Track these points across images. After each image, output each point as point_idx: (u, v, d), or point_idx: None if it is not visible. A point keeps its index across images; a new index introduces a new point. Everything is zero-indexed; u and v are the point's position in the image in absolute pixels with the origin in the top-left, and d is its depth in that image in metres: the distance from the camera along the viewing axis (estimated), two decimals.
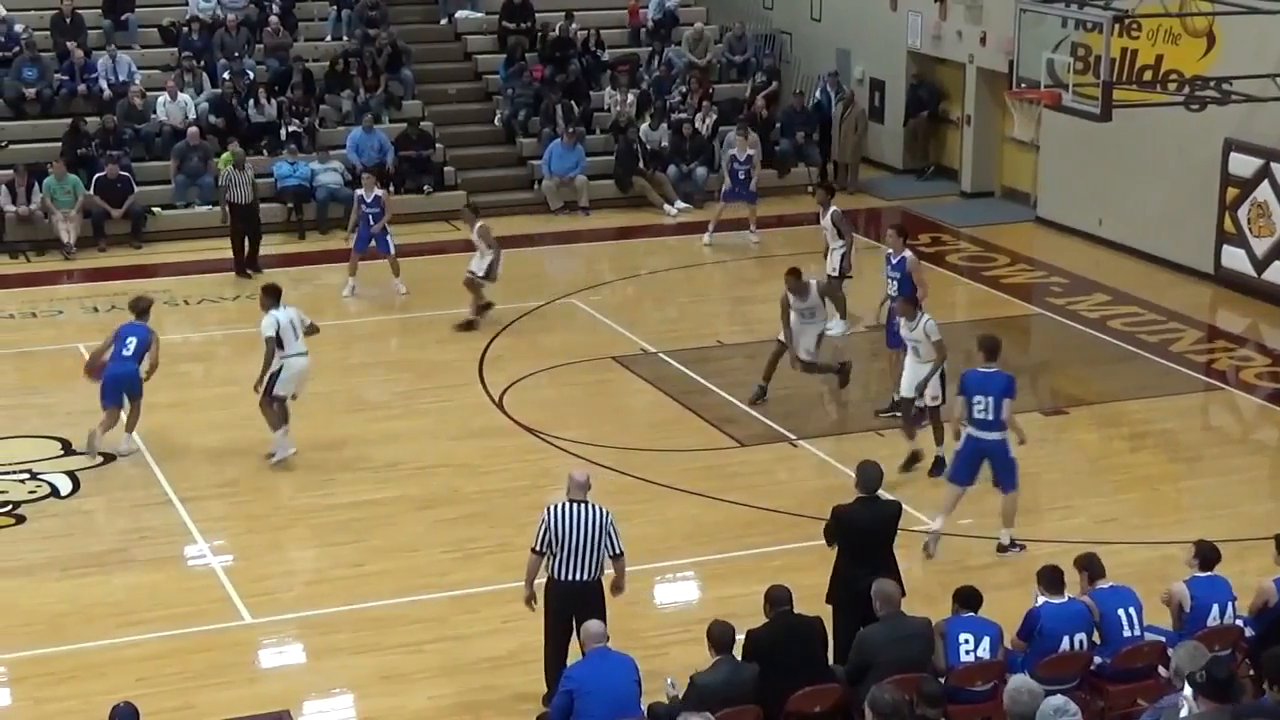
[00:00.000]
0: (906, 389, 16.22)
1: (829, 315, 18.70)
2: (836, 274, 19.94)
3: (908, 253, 17.78)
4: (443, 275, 21.78)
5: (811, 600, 11.58)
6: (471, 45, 29.40)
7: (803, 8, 30.32)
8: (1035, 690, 9.22)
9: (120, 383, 16.70)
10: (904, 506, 12.84)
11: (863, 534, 12.07)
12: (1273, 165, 21.45)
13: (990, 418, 14.26)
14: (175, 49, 27.47)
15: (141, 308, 17.19)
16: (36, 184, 24.19)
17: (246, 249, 23.01)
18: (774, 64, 30.03)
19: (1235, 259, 22.12)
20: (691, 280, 23.51)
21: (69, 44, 26.54)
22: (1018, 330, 20.97)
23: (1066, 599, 11.19)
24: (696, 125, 27.37)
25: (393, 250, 22.17)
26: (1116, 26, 19.47)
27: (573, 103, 27.51)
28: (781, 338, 17.87)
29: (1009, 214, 26.25)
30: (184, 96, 26.13)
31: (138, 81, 26.45)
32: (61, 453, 16.87)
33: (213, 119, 26.03)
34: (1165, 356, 19.91)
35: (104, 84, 26.30)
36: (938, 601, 11.75)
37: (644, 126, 27.36)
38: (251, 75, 26.81)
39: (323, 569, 14.63)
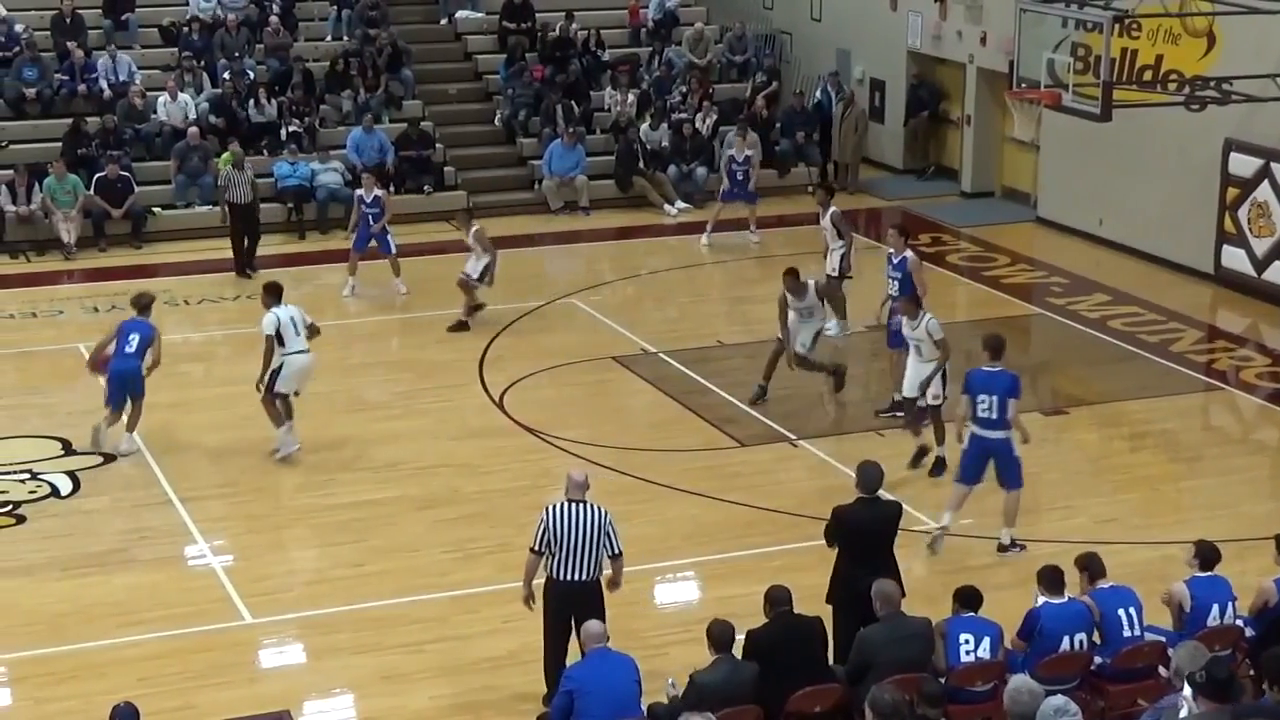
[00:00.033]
0: (909, 388, 16.22)
1: (827, 316, 18.70)
2: (836, 274, 19.93)
3: (909, 253, 17.77)
4: (443, 275, 21.76)
5: (811, 600, 11.58)
6: (472, 45, 29.40)
7: (803, 8, 30.33)
8: (1036, 690, 9.23)
9: (124, 381, 16.72)
10: (904, 507, 12.84)
11: (863, 534, 12.06)
12: (1273, 165, 21.45)
13: (994, 416, 14.27)
14: (175, 49, 27.47)
15: (144, 303, 17.22)
16: (37, 184, 24.19)
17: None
18: (774, 64, 30.03)
19: (1235, 259, 22.12)
20: (692, 280, 23.52)
21: (69, 44, 26.54)
22: (1018, 330, 20.94)
23: (1067, 599, 11.19)
24: (697, 125, 27.37)
25: (394, 250, 22.18)
26: (1116, 26, 19.47)
27: (573, 103, 27.51)
28: (780, 337, 17.87)
29: (1009, 214, 26.26)
30: (184, 96, 26.14)
31: (138, 81, 26.45)
32: (62, 453, 16.87)
33: (213, 119, 26.03)
34: (1165, 356, 19.91)
35: (104, 84, 26.30)
36: (938, 601, 11.75)
37: (644, 126, 27.36)
38: (252, 75, 26.81)
39: (323, 569, 14.64)
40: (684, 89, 28.28)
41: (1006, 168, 27.08)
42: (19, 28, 26.79)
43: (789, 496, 15.76)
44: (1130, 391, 18.89)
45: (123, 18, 27.62)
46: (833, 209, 20.20)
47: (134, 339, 16.78)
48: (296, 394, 16.69)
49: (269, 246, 23.67)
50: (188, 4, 28.28)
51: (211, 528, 15.28)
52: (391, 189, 24.80)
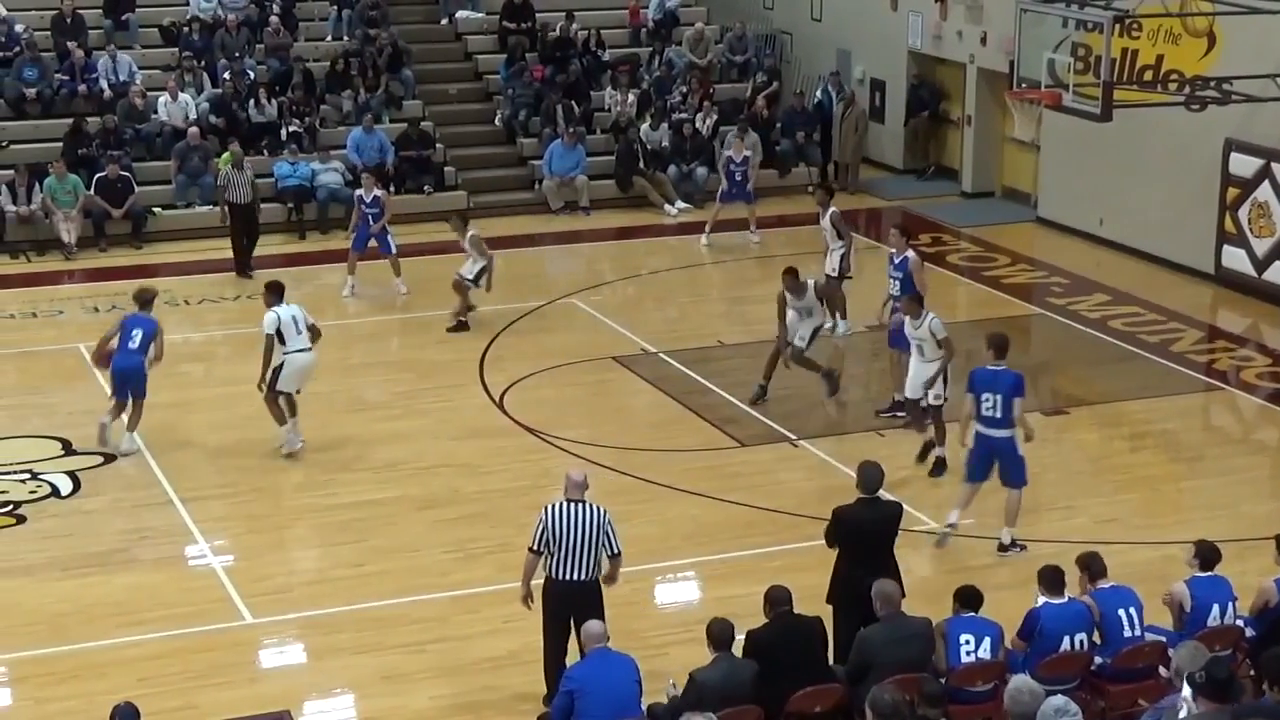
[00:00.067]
0: (911, 388, 16.23)
1: (826, 316, 18.68)
2: (836, 274, 19.93)
3: (910, 252, 17.77)
4: (443, 275, 21.73)
5: (811, 600, 11.58)
6: (472, 45, 29.40)
7: (803, 8, 30.33)
8: (1036, 690, 9.23)
9: (126, 377, 16.76)
10: (905, 507, 12.84)
11: (863, 535, 12.06)
12: (1273, 165, 21.45)
13: (998, 415, 14.29)
14: (176, 49, 27.48)
15: (146, 298, 17.27)
16: (37, 184, 24.20)
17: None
18: (774, 64, 30.03)
19: (1236, 259, 22.12)
20: (692, 280, 23.52)
21: (69, 44, 26.55)
22: (1018, 330, 20.85)
23: (1067, 599, 11.19)
24: (697, 125, 27.37)
25: (394, 250, 22.19)
26: (1117, 26, 19.48)
27: (573, 103, 27.51)
28: (778, 335, 17.86)
29: (1009, 214, 26.26)
30: (184, 96, 26.14)
31: (138, 81, 26.45)
32: (62, 453, 16.88)
33: (213, 119, 26.03)
34: (1166, 356, 19.92)
35: (104, 84, 26.30)
36: (938, 601, 11.75)
37: (644, 126, 27.36)
38: (252, 75, 26.81)
39: (323, 569, 14.64)
40: (684, 89, 28.28)
41: (1007, 168, 27.08)
42: (19, 28, 26.80)
43: (789, 496, 15.76)
44: (1131, 391, 18.89)
45: (123, 18, 27.63)
46: (832, 209, 20.20)
47: (137, 334, 16.81)
48: (298, 392, 16.72)
49: (269, 246, 23.67)
50: (188, 4, 28.29)
51: (212, 528, 15.28)
52: (391, 189, 24.80)
